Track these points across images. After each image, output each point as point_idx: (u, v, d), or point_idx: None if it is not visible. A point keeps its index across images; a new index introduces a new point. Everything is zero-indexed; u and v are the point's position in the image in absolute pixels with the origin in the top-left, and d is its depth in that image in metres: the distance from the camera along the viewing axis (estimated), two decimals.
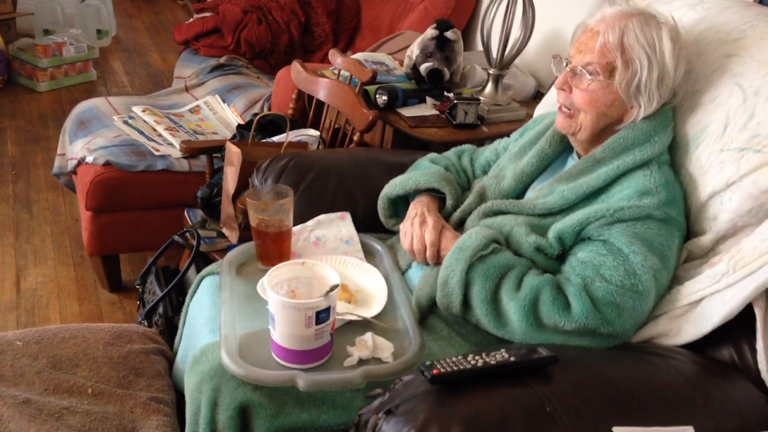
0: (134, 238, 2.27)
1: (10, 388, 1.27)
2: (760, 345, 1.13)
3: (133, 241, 2.28)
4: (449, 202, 1.44)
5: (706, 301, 1.17)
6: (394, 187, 1.50)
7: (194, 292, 1.51)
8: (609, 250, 1.18)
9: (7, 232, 2.59)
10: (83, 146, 2.28)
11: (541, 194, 1.33)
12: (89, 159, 2.21)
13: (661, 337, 1.21)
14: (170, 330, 1.65)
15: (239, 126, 2.18)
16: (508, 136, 1.60)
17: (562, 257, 1.26)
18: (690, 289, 1.19)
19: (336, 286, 1.13)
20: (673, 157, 1.31)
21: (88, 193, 2.17)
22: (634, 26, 1.23)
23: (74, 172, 2.31)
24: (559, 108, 1.33)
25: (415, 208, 1.42)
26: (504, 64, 2.16)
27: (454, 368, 0.98)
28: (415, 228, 1.35)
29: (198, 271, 1.63)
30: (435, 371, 0.97)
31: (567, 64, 1.30)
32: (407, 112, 2.11)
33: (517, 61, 2.31)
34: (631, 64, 1.22)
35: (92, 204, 2.18)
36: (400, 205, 1.54)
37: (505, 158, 1.48)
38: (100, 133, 2.34)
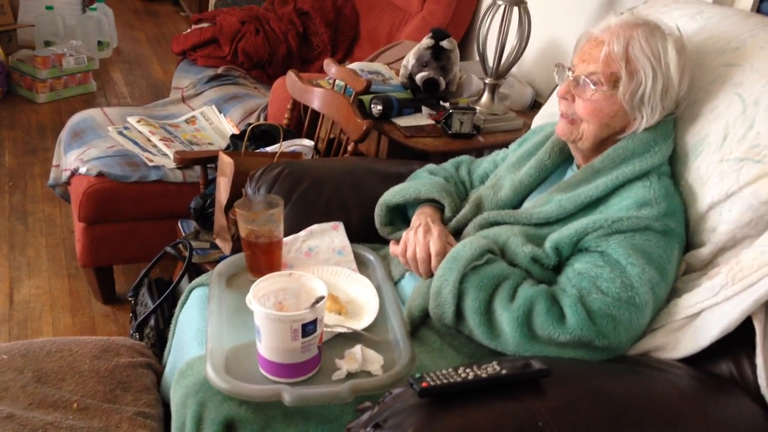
0: (128, 249, 2.26)
1: None
2: (759, 359, 1.10)
3: (127, 253, 2.27)
4: (447, 213, 1.43)
5: (705, 314, 1.15)
6: (393, 194, 1.49)
7: (183, 303, 1.49)
8: (606, 262, 1.16)
9: (1, 244, 2.58)
10: (77, 157, 2.27)
11: (538, 204, 1.31)
12: (82, 170, 2.20)
13: (658, 351, 1.19)
14: (161, 343, 1.64)
15: (233, 136, 2.17)
16: (506, 146, 1.59)
17: (558, 268, 1.24)
18: (688, 302, 1.17)
19: (322, 297, 1.11)
20: (673, 168, 1.29)
21: (80, 204, 2.16)
22: (640, 37, 1.21)
23: (68, 183, 2.30)
24: (561, 115, 1.31)
25: (419, 218, 1.39)
26: (500, 74, 2.14)
27: (444, 381, 0.95)
28: (419, 237, 1.32)
29: (191, 282, 1.61)
30: (424, 384, 0.94)
31: (570, 74, 1.28)
32: (402, 121, 2.10)
33: (514, 70, 2.30)
34: (635, 74, 1.21)
35: (85, 215, 2.17)
36: (396, 214, 1.52)
37: (503, 168, 1.46)
38: (94, 144, 2.33)
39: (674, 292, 1.21)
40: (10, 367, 1.33)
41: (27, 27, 4.20)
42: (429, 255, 1.29)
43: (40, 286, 2.37)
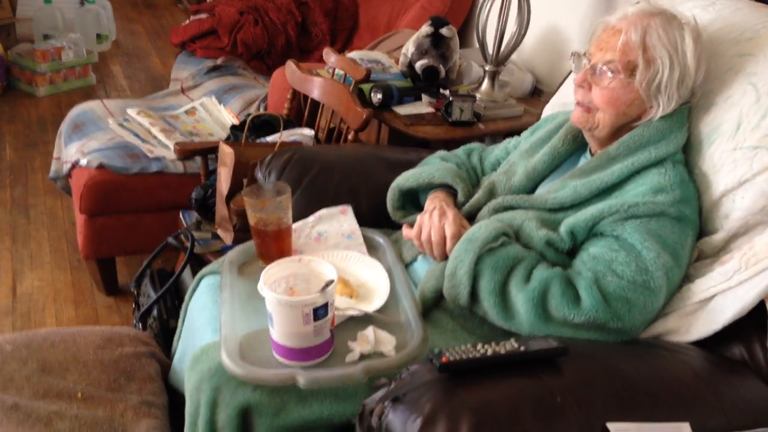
0: (129, 240, 2.26)
1: None
2: None
3: (129, 244, 2.27)
4: (460, 198, 1.43)
5: (718, 299, 1.16)
6: (407, 179, 1.49)
7: (193, 291, 1.50)
8: (621, 246, 1.17)
9: (4, 237, 2.58)
10: (77, 149, 2.27)
11: (552, 190, 1.31)
12: (83, 162, 2.21)
13: (671, 334, 1.20)
14: (164, 333, 1.64)
15: (233, 127, 2.16)
16: (507, 134, 1.59)
17: (572, 253, 1.24)
18: (701, 287, 1.18)
19: (332, 281, 1.11)
20: (687, 156, 1.30)
21: (81, 196, 2.16)
22: (657, 25, 1.22)
23: (69, 175, 2.30)
24: (577, 103, 1.31)
25: (433, 202, 1.40)
26: (500, 61, 2.14)
27: (463, 357, 0.96)
28: (434, 220, 1.32)
29: (193, 273, 1.61)
30: (444, 359, 0.95)
31: (587, 62, 1.28)
32: (402, 110, 2.09)
33: (514, 57, 2.29)
34: (652, 63, 1.21)
35: (86, 207, 2.17)
36: (407, 199, 1.53)
37: (516, 155, 1.46)
38: (94, 136, 2.33)
39: (687, 278, 1.22)
40: (14, 358, 1.33)
41: (26, 21, 4.19)
42: (444, 238, 1.30)
43: (43, 279, 2.38)
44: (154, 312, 1.73)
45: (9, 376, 1.30)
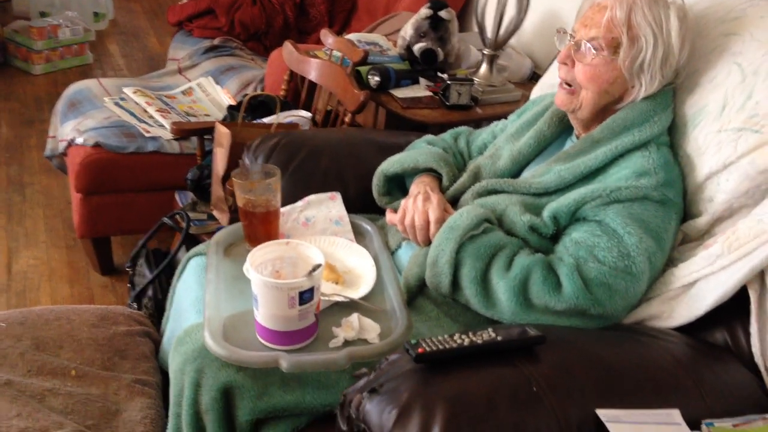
0: (125, 220, 2.26)
1: None
2: (753, 328, 1.11)
3: (124, 224, 2.27)
4: (445, 182, 1.43)
5: (700, 284, 1.15)
6: (391, 164, 1.49)
7: (181, 272, 1.50)
8: (604, 231, 1.16)
9: None
10: (73, 127, 2.26)
11: (537, 174, 1.31)
12: (79, 140, 2.20)
13: (653, 319, 1.20)
14: (159, 312, 1.64)
15: (230, 107, 2.15)
16: (504, 117, 1.58)
17: (555, 237, 1.24)
18: (684, 271, 1.17)
19: (319, 265, 1.11)
20: (672, 138, 1.29)
21: (77, 174, 2.15)
22: (643, 3, 1.21)
23: (65, 153, 2.30)
24: (560, 84, 1.31)
25: (418, 187, 1.39)
26: (498, 45, 2.13)
27: (440, 347, 0.96)
28: (418, 204, 1.32)
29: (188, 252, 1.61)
30: (420, 350, 0.95)
31: (571, 39, 1.27)
32: (400, 93, 2.08)
33: (513, 41, 2.28)
34: (636, 41, 1.20)
35: (82, 186, 2.17)
36: (393, 184, 1.52)
37: (502, 139, 1.46)
38: (90, 115, 2.32)
39: (671, 262, 1.22)
40: (8, 335, 1.34)
41: None
42: (427, 222, 1.29)
43: (38, 257, 2.38)
44: (149, 292, 1.73)
45: (3, 353, 1.30)
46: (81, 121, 2.28)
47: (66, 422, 1.20)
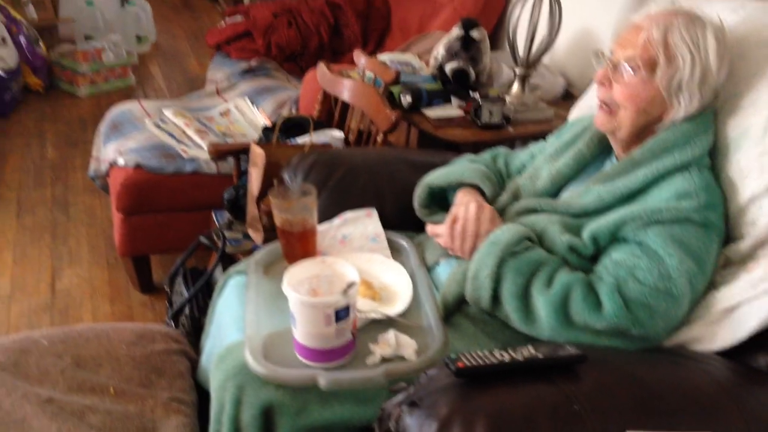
0: (164, 239, 2.31)
1: (34, 386, 1.30)
2: None
3: (163, 243, 2.32)
4: (487, 199, 1.43)
5: (743, 307, 1.13)
6: (436, 177, 1.50)
7: (221, 290, 1.53)
8: (644, 252, 1.16)
9: (44, 234, 2.66)
10: (115, 149, 2.33)
11: (576, 195, 1.31)
12: (120, 161, 2.26)
13: (695, 343, 1.18)
14: (196, 331, 1.67)
15: (265, 128, 2.19)
16: (537, 137, 1.58)
17: (595, 258, 1.24)
18: (726, 295, 1.16)
19: (353, 283, 1.12)
20: (713, 161, 1.28)
21: (118, 194, 2.22)
22: (679, 24, 1.21)
23: (107, 174, 2.36)
24: (599, 105, 1.31)
25: (467, 196, 1.40)
26: (530, 64, 2.13)
27: (480, 362, 0.96)
28: (471, 211, 1.31)
29: (225, 272, 1.64)
30: (460, 364, 0.95)
31: (608, 59, 1.28)
32: (432, 112, 2.10)
33: (546, 60, 2.28)
34: (673, 60, 1.20)
35: (123, 205, 2.23)
36: (433, 199, 1.54)
37: (541, 159, 1.46)
38: (131, 136, 2.39)
39: (712, 285, 1.20)
40: (50, 353, 1.38)
41: (68, 22, 4.30)
42: (478, 231, 1.29)
43: (81, 275, 2.45)
44: (186, 310, 1.76)
45: (45, 370, 1.34)
46: (122, 143, 2.35)
47: None
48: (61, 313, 2.25)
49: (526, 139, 2.06)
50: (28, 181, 3.03)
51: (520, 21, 2.08)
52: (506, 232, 1.24)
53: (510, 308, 1.20)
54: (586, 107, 1.67)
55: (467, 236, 1.30)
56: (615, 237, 1.21)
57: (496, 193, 1.45)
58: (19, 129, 3.49)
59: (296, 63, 3.03)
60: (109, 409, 1.29)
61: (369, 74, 2.18)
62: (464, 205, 1.35)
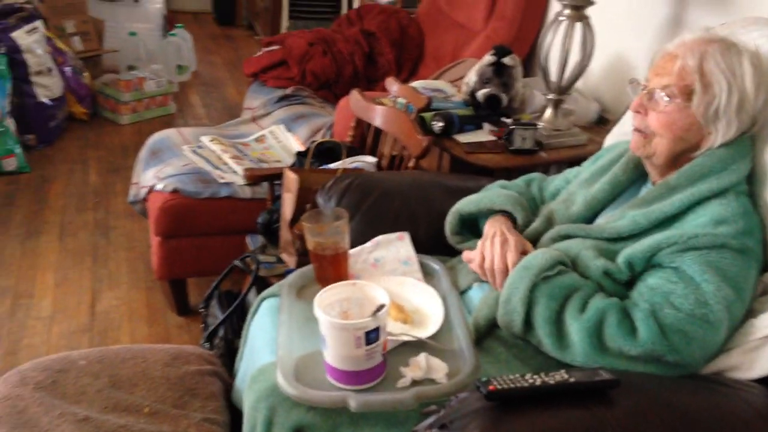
0: (200, 262, 2.35)
1: (71, 406, 1.33)
2: None
3: (199, 266, 2.36)
4: (519, 226, 1.43)
5: None
6: (467, 203, 1.51)
7: (254, 313, 1.55)
8: (680, 278, 1.15)
9: (85, 257, 2.73)
10: (154, 174, 2.39)
11: (611, 220, 1.30)
12: (159, 186, 2.32)
13: (733, 370, 1.16)
14: (230, 353, 1.69)
15: (299, 153, 2.23)
16: (570, 163, 1.59)
17: (630, 284, 1.23)
18: (765, 322, 1.14)
19: (383, 306, 1.13)
20: (751, 187, 1.27)
21: (157, 218, 2.27)
22: (715, 51, 1.21)
23: (146, 199, 2.42)
24: (634, 130, 1.31)
25: (493, 226, 1.40)
26: (563, 89, 2.13)
27: (511, 386, 0.96)
28: (496, 248, 1.33)
29: (258, 295, 1.67)
30: (491, 387, 0.95)
31: (644, 88, 1.28)
32: (464, 138, 2.11)
33: (580, 85, 2.28)
34: (709, 88, 1.20)
35: (160, 229, 2.28)
36: (465, 225, 1.54)
37: (575, 184, 1.46)
38: (170, 162, 2.45)
39: (751, 313, 1.18)
40: (87, 373, 1.41)
41: (112, 53, 4.45)
42: (506, 266, 1.30)
43: (120, 298, 2.50)
44: (221, 332, 1.79)
45: (82, 390, 1.37)
46: (161, 169, 2.41)
47: None
48: (100, 334, 2.30)
49: (560, 164, 2.05)
50: (72, 205, 3.12)
51: (552, 47, 2.09)
52: (539, 257, 1.24)
53: (542, 333, 1.19)
54: (622, 134, 1.67)
55: (497, 273, 1.31)
56: (650, 262, 1.20)
57: (529, 219, 1.45)
58: (63, 156, 3.60)
59: (330, 90, 3.08)
60: (144, 429, 1.31)
61: (401, 101, 2.21)
62: (489, 238, 1.36)
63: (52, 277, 2.59)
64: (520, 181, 1.62)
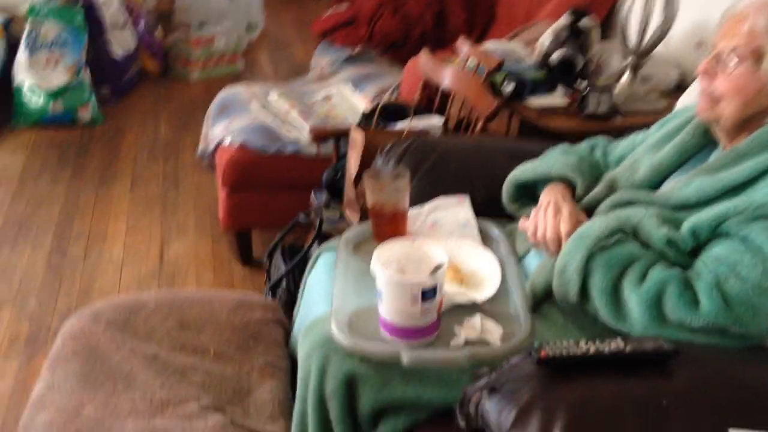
0: (265, 216, 2.40)
1: (141, 343, 1.38)
2: None
3: (264, 219, 2.41)
4: (579, 192, 1.40)
5: None
6: (523, 171, 1.48)
7: (312, 267, 1.57)
8: (748, 248, 1.10)
9: (155, 206, 2.82)
10: (222, 129, 2.43)
11: (677, 186, 1.25)
12: (227, 141, 2.36)
13: None
14: (292, 303, 1.73)
15: (365, 113, 2.22)
16: (647, 127, 1.52)
17: (694, 253, 1.18)
18: None
19: (441, 265, 1.13)
20: None
21: (224, 172, 2.32)
22: None
23: (214, 153, 2.47)
24: (701, 93, 1.25)
25: (548, 195, 1.37)
26: (642, 53, 2.05)
27: (564, 353, 0.94)
28: (549, 218, 1.30)
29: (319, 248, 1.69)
30: (543, 354, 0.94)
31: (712, 50, 1.22)
32: (535, 101, 2.06)
33: (660, 50, 2.19)
34: None
35: (227, 182, 2.33)
36: (524, 192, 1.51)
37: (641, 150, 1.41)
38: (238, 117, 2.48)
39: None
40: (157, 313, 1.46)
41: (183, 9, 4.50)
42: (558, 236, 1.27)
43: (187, 246, 2.57)
44: (284, 284, 1.83)
45: (151, 329, 1.42)
46: (229, 123, 2.45)
47: (203, 396, 1.30)
48: (168, 279, 2.38)
49: (633, 130, 1.98)
50: (143, 156, 3.22)
51: (633, 10, 2.01)
52: (596, 225, 1.20)
53: (599, 303, 1.16)
54: (693, 97, 1.60)
55: (549, 243, 1.28)
56: (716, 232, 1.15)
57: (590, 185, 1.41)
58: (136, 109, 3.71)
59: (398, 50, 3.06)
60: (209, 369, 1.36)
61: (471, 61, 2.17)
62: (543, 208, 1.33)
63: (124, 224, 2.69)
64: (584, 145, 1.57)
